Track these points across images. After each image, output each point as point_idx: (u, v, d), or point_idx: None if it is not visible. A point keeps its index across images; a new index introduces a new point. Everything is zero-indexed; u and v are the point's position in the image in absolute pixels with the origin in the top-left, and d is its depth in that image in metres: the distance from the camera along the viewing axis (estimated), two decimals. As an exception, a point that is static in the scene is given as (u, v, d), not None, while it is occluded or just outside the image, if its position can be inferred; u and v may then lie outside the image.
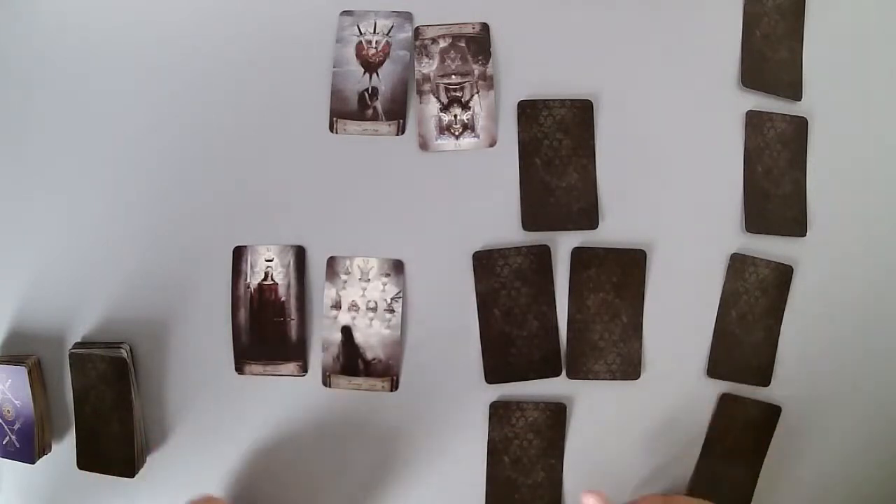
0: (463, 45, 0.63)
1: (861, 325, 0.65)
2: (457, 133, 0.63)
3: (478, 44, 0.63)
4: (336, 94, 0.63)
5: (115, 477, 0.62)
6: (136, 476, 0.62)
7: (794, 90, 0.65)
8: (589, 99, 0.63)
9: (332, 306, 0.63)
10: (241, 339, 0.63)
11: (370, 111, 0.63)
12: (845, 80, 0.66)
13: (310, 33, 0.64)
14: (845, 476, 0.66)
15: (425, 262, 0.63)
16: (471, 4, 0.63)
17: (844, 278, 0.65)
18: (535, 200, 0.63)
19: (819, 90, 0.65)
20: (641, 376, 0.64)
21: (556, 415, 0.63)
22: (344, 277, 0.63)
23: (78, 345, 0.63)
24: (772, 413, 0.64)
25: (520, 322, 0.63)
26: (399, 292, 0.63)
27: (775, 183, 0.64)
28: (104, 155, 0.64)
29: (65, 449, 0.64)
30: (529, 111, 0.63)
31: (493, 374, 0.63)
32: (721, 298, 0.64)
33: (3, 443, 0.62)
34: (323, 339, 0.63)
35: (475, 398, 0.63)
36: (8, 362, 0.62)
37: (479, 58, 0.63)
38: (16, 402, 0.62)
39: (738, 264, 0.64)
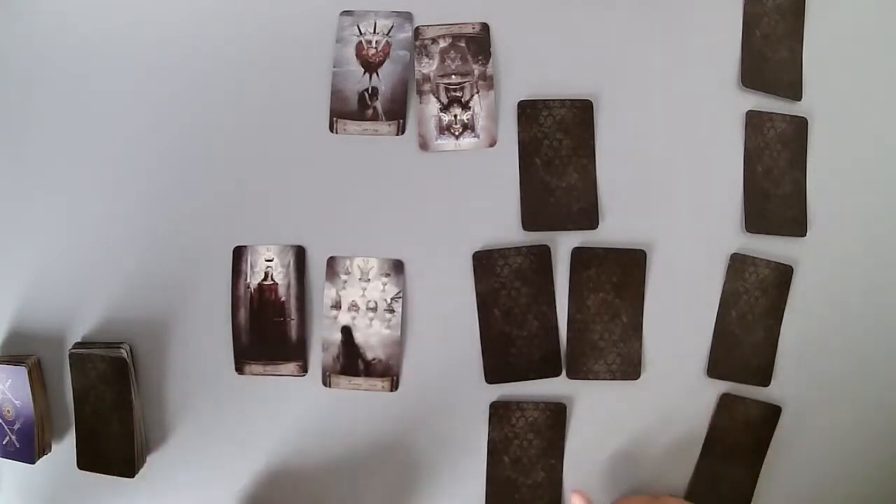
0: (463, 45, 0.63)
1: (861, 325, 0.65)
2: (457, 133, 0.63)
3: (478, 44, 0.63)
4: (336, 94, 0.63)
5: (115, 477, 0.62)
6: (136, 476, 0.62)
7: (794, 90, 0.65)
8: (589, 99, 0.63)
9: (332, 306, 0.63)
10: (241, 339, 0.63)
11: (370, 111, 0.63)
12: (845, 80, 0.66)
13: (310, 33, 0.64)
14: (845, 476, 0.66)
15: (425, 262, 0.63)
16: (471, 4, 0.63)
17: (844, 278, 0.65)
18: (535, 200, 0.63)
19: (819, 90, 0.65)
20: (641, 376, 0.64)
21: (556, 415, 0.63)
22: (344, 277, 0.63)
23: (78, 345, 0.63)
24: (772, 413, 0.64)
25: (520, 322, 0.63)
26: (399, 292, 0.63)
27: (775, 183, 0.64)
28: (104, 155, 0.64)
29: (65, 449, 0.64)
30: (529, 111, 0.63)
31: (493, 374, 0.63)
32: (721, 298, 0.64)
33: (3, 443, 0.62)
34: (323, 339, 0.63)
35: (475, 398, 0.63)
36: (8, 362, 0.62)
37: (479, 58, 0.63)
38: (16, 402, 0.62)
39: (738, 264, 0.64)
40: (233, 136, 0.64)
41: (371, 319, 0.63)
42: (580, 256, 0.63)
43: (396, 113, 0.63)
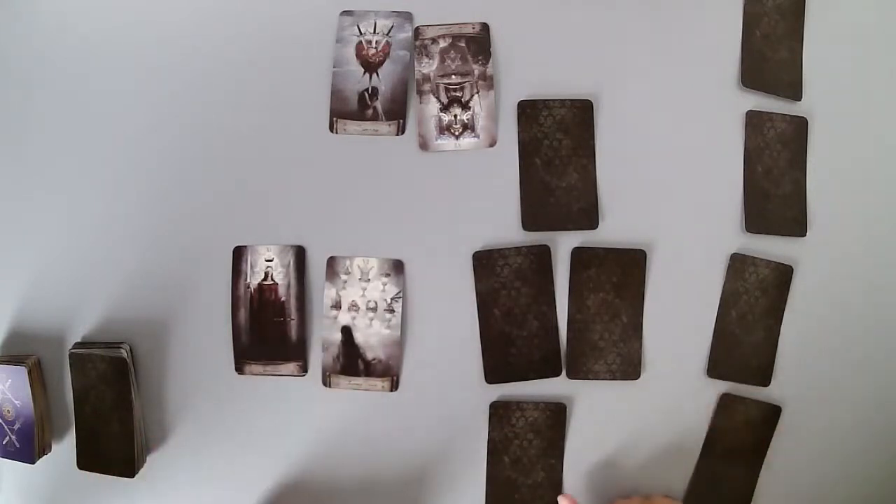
0: (463, 45, 0.63)
1: (861, 325, 0.65)
2: (457, 133, 0.63)
3: (478, 44, 0.63)
4: (336, 94, 0.63)
5: (115, 477, 0.62)
6: (136, 476, 0.62)
7: (794, 90, 0.65)
8: (589, 99, 0.63)
9: (332, 306, 0.63)
10: (241, 339, 0.63)
11: (370, 111, 0.63)
12: (845, 80, 0.66)
13: (310, 33, 0.64)
14: (845, 476, 0.66)
15: (425, 262, 0.63)
16: (471, 4, 0.63)
17: (844, 278, 0.65)
18: (535, 200, 0.63)
19: (819, 90, 0.65)
20: (641, 376, 0.64)
21: (556, 415, 0.63)
22: (344, 277, 0.63)
23: (78, 345, 0.63)
24: (772, 413, 0.64)
25: (520, 322, 0.63)
26: (399, 292, 0.63)
27: (775, 183, 0.64)
28: (104, 155, 0.64)
29: (65, 449, 0.64)
30: (529, 111, 0.63)
31: (493, 374, 0.63)
32: (721, 298, 0.64)
33: (3, 443, 0.62)
34: (323, 339, 0.63)
35: (475, 398, 0.63)
36: (8, 362, 0.62)
37: (479, 58, 0.63)
38: (16, 402, 0.62)
39: (738, 264, 0.64)
40: (233, 136, 0.64)
41: (371, 319, 0.63)
42: (580, 256, 0.63)
43: (396, 113, 0.63)
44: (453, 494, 0.64)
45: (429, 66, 0.63)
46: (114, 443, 0.62)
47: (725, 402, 0.64)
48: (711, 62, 0.64)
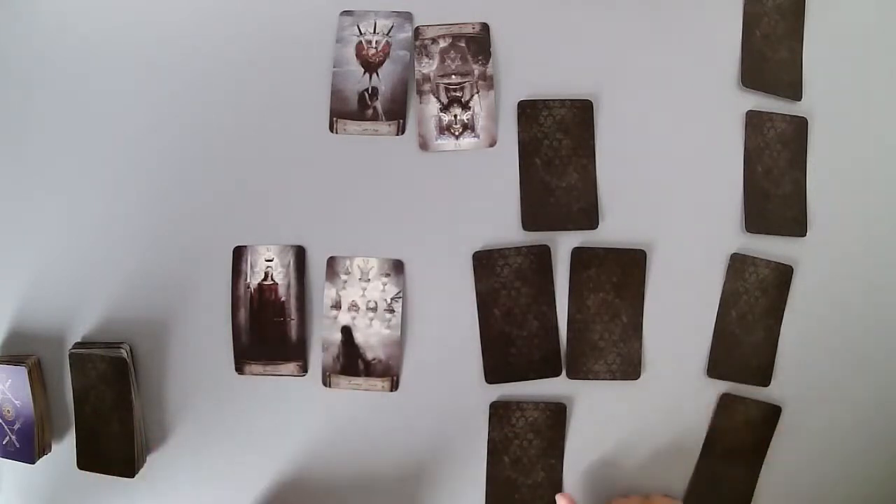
0: (463, 45, 0.63)
1: (861, 325, 0.65)
2: (457, 133, 0.63)
3: (478, 44, 0.63)
4: (336, 94, 0.63)
5: (115, 477, 0.62)
6: (136, 476, 0.62)
7: (794, 90, 0.65)
8: (589, 99, 0.63)
9: (332, 306, 0.63)
10: (241, 339, 0.63)
11: (370, 111, 0.63)
12: (845, 80, 0.66)
13: (310, 33, 0.64)
14: (845, 476, 0.66)
15: (425, 262, 0.63)
16: (471, 4, 0.63)
17: (844, 278, 0.65)
18: (535, 200, 0.63)
19: (819, 90, 0.65)
20: (641, 376, 0.64)
21: (556, 415, 0.63)
22: (344, 277, 0.63)
23: (78, 345, 0.63)
24: (772, 413, 0.64)
25: (520, 322, 0.63)
26: (399, 292, 0.63)
27: (775, 183, 0.64)
28: (104, 155, 0.64)
29: (65, 449, 0.64)
30: (529, 111, 0.63)
31: (493, 374, 0.63)
32: (721, 298, 0.64)
33: (3, 443, 0.62)
34: (323, 339, 0.63)
35: (475, 398, 0.63)
36: (8, 362, 0.62)
37: (479, 58, 0.63)
38: (16, 402, 0.62)
39: (738, 264, 0.64)
40: (233, 136, 0.64)
41: (371, 319, 0.63)
42: (580, 256, 0.63)
43: (396, 113, 0.63)
44: (453, 494, 0.64)
45: (429, 66, 0.63)
46: (114, 443, 0.62)
47: (725, 402, 0.64)
48: (711, 62, 0.64)
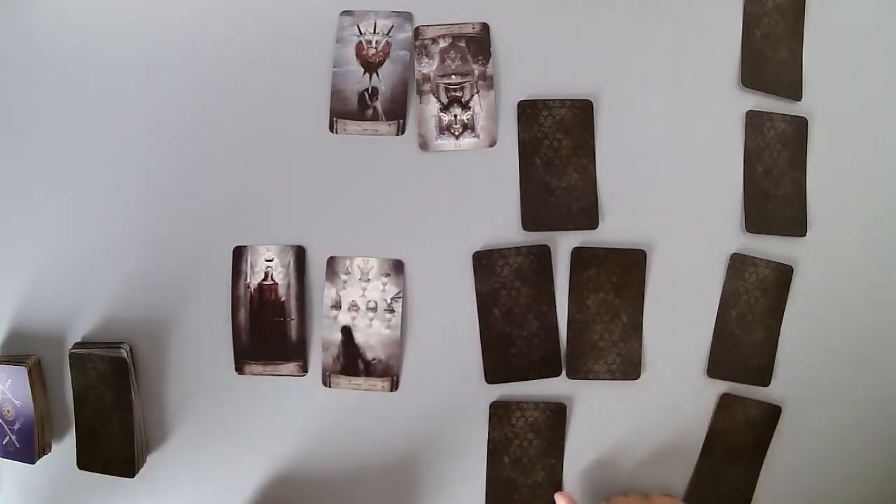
0: (463, 45, 0.63)
1: (861, 325, 0.65)
2: (457, 133, 0.63)
3: (478, 44, 0.63)
4: (336, 94, 0.63)
5: (115, 477, 0.62)
6: (136, 476, 0.62)
7: (794, 90, 0.65)
8: (589, 99, 0.63)
9: (332, 306, 0.63)
10: (241, 339, 0.63)
11: (370, 111, 0.63)
12: (845, 80, 0.66)
13: (310, 33, 0.64)
14: (845, 476, 0.66)
15: (425, 262, 0.63)
16: (471, 4, 0.63)
17: (844, 278, 0.65)
18: (535, 200, 0.63)
19: (819, 90, 0.65)
20: (641, 376, 0.64)
21: (556, 415, 0.63)
22: (344, 277, 0.63)
23: (78, 345, 0.63)
24: (772, 413, 0.64)
25: (520, 322, 0.63)
26: (399, 292, 0.63)
27: (775, 183, 0.64)
28: (104, 155, 0.64)
29: (65, 449, 0.64)
30: (529, 111, 0.63)
31: (493, 374, 0.63)
32: (721, 298, 0.64)
33: (3, 443, 0.62)
34: (323, 339, 0.63)
35: (475, 398, 0.63)
36: (8, 362, 0.62)
37: (479, 58, 0.63)
38: (16, 402, 0.62)
39: (738, 264, 0.64)
40: (233, 136, 0.64)
41: (371, 319, 0.63)
42: (580, 256, 0.63)
43: (396, 113, 0.63)
44: (453, 494, 0.64)
45: (429, 66, 0.63)
46: (114, 443, 0.62)
47: (725, 402, 0.64)
48: (711, 62, 0.64)
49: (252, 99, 0.64)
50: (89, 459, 0.63)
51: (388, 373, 0.63)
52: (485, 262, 0.62)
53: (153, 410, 0.64)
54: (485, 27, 0.63)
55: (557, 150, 0.63)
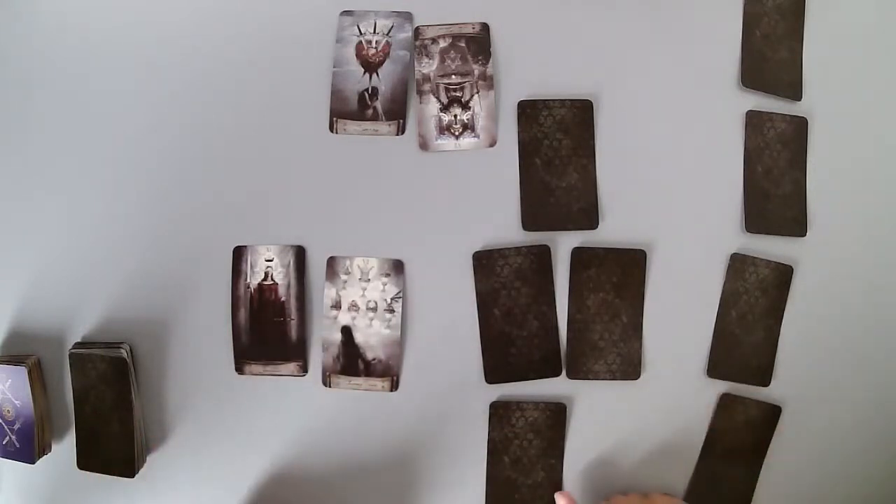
0: (463, 45, 0.63)
1: (861, 325, 0.65)
2: (457, 133, 0.63)
3: (478, 44, 0.63)
4: (336, 94, 0.63)
5: (115, 477, 0.62)
6: (136, 476, 0.62)
7: (794, 90, 0.65)
8: (589, 99, 0.63)
9: (332, 306, 0.63)
10: (241, 339, 0.63)
11: (370, 111, 0.63)
12: (845, 80, 0.66)
13: (310, 33, 0.64)
14: (845, 476, 0.66)
15: (425, 262, 0.63)
16: (471, 4, 0.63)
17: (844, 278, 0.65)
18: (535, 200, 0.63)
19: (819, 90, 0.65)
20: (641, 376, 0.64)
21: (556, 415, 0.63)
22: (344, 277, 0.63)
23: (78, 345, 0.63)
24: (772, 413, 0.64)
25: (520, 322, 0.63)
26: (399, 292, 0.63)
27: (775, 183, 0.64)
28: (104, 155, 0.64)
29: (65, 449, 0.64)
30: (529, 111, 0.63)
31: (493, 374, 0.63)
32: (721, 298, 0.64)
33: (3, 443, 0.62)
34: (323, 339, 0.63)
35: (475, 398, 0.63)
36: (8, 362, 0.62)
37: (479, 58, 0.63)
38: (16, 402, 0.62)
39: (738, 264, 0.64)
40: (233, 136, 0.64)
41: (371, 319, 0.63)
42: (580, 256, 0.63)
43: (396, 113, 0.63)
44: (453, 494, 0.64)
45: (429, 66, 0.63)
46: (114, 443, 0.62)
47: (725, 402, 0.64)
48: (711, 62, 0.64)
49: (252, 99, 0.64)
50: (89, 459, 0.63)
51: (388, 373, 0.63)
52: (485, 262, 0.62)
53: (153, 410, 0.64)
54: (485, 27, 0.63)
55: (557, 150, 0.63)
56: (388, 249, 0.63)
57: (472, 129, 0.63)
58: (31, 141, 0.64)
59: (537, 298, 0.63)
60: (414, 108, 0.63)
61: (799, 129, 0.65)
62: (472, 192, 0.63)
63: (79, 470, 0.63)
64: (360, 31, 0.63)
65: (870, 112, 0.66)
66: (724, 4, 0.65)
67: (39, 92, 0.64)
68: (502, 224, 0.63)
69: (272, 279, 0.63)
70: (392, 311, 0.63)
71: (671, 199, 0.64)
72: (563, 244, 0.63)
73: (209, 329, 0.64)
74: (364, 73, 0.63)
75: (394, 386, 0.63)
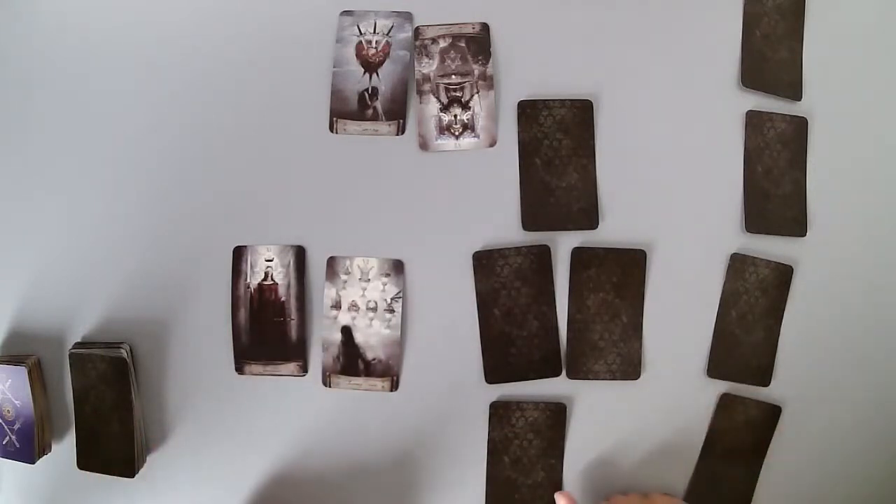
0: (463, 45, 0.63)
1: (861, 325, 0.65)
2: (457, 133, 0.63)
3: (478, 44, 0.63)
4: (336, 94, 0.63)
5: (115, 477, 0.62)
6: (136, 476, 0.62)
7: (794, 90, 0.65)
8: (589, 99, 0.63)
9: (332, 306, 0.63)
10: (241, 339, 0.63)
11: (370, 111, 0.63)
12: (845, 80, 0.66)
13: (310, 33, 0.64)
14: (845, 476, 0.66)
15: (425, 262, 0.63)
16: (471, 4, 0.63)
17: (844, 278, 0.65)
18: (535, 200, 0.63)
19: (819, 90, 0.65)
20: (641, 376, 0.64)
21: (556, 415, 0.63)
22: (344, 277, 0.63)
23: (78, 345, 0.63)
24: (772, 413, 0.64)
25: (520, 322, 0.63)
26: (399, 292, 0.63)
27: (775, 183, 0.64)
28: (104, 155, 0.64)
29: (65, 449, 0.64)
30: (529, 111, 0.63)
31: (493, 374, 0.63)
32: (721, 298, 0.64)
33: (3, 443, 0.62)
34: (323, 339, 0.63)
35: (475, 398, 0.63)
36: (8, 362, 0.62)
37: (479, 58, 0.63)
38: (16, 402, 0.62)
39: (738, 264, 0.64)
40: (233, 136, 0.64)
41: (371, 319, 0.63)
42: (580, 256, 0.63)
43: (396, 113, 0.63)
44: (453, 494, 0.64)
45: (429, 66, 0.63)
46: (114, 443, 0.62)
47: (725, 402, 0.64)
48: (711, 62, 0.64)
49: (252, 99, 0.64)
50: (89, 459, 0.63)
51: (388, 373, 0.63)
52: (485, 262, 0.62)
53: (153, 410, 0.64)
54: (485, 27, 0.63)
55: (557, 150, 0.63)
56: (388, 249, 0.63)
57: (472, 129, 0.63)
58: (31, 141, 0.64)
59: (537, 298, 0.63)
60: (414, 108, 0.63)
61: (799, 129, 0.65)
62: (472, 192, 0.63)
63: (79, 470, 0.63)
64: (360, 31, 0.63)
65: (870, 112, 0.66)
66: (724, 4, 0.65)
67: (39, 92, 0.64)
68: (502, 224, 0.63)
69: (272, 279, 0.63)
70: (392, 311, 0.63)
71: (671, 199, 0.64)
72: (563, 244, 0.63)
73: (209, 329, 0.64)
74: (364, 73, 0.63)
75: (394, 386, 0.63)
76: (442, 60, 0.63)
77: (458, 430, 0.64)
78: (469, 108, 0.63)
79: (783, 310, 0.64)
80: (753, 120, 0.64)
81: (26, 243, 0.64)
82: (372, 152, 0.63)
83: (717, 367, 0.64)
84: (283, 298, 0.63)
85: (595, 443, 0.64)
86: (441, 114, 0.63)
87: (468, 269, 0.63)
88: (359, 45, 0.63)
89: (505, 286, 0.63)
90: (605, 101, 0.63)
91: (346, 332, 0.63)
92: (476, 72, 0.63)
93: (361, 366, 0.63)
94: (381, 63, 0.63)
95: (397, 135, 0.63)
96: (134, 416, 0.62)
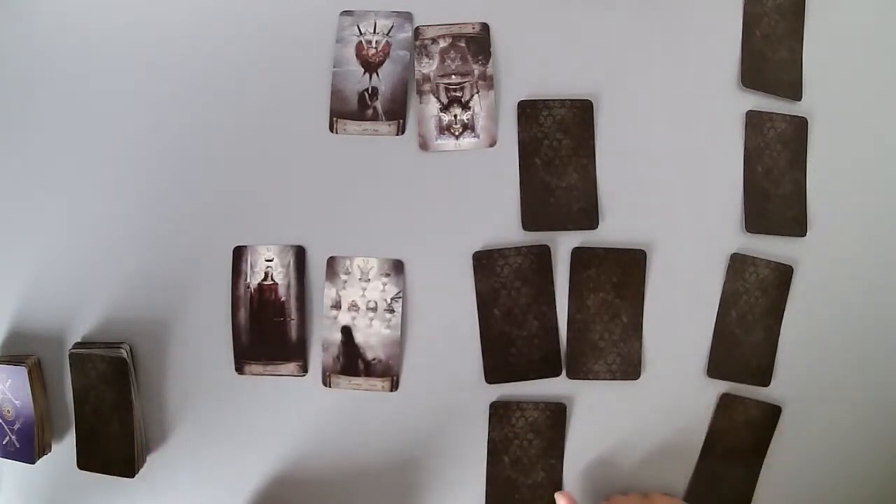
0: (463, 45, 0.63)
1: (861, 325, 0.65)
2: (457, 133, 0.63)
3: (478, 44, 0.63)
4: (336, 94, 0.63)
5: (115, 477, 0.62)
6: (136, 476, 0.62)
7: (794, 90, 0.65)
8: (589, 99, 0.63)
9: (332, 306, 0.63)
10: (241, 339, 0.63)
11: (370, 111, 0.63)
12: (845, 80, 0.66)
13: (310, 33, 0.64)
14: (845, 476, 0.66)
15: (425, 262, 0.63)
16: (471, 4, 0.63)
17: (844, 278, 0.65)
18: (535, 200, 0.63)
19: (819, 90, 0.65)
20: (641, 376, 0.64)
21: (556, 415, 0.63)
22: (344, 277, 0.63)
23: (78, 345, 0.63)
24: (772, 413, 0.64)
25: (520, 322, 0.63)
26: (399, 292, 0.63)
27: (775, 183, 0.64)
28: (104, 155, 0.64)
29: (65, 449, 0.64)
30: (529, 111, 0.63)
31: (493, 374, 0.63)
32: (721, 298, 0.64)
33: (3, 443, 0.62)
34: (323, 339, 0.63)
35: (475, 398, 0.63)
36: (8, 362, 0.62)
37: (479, 58, 0.63)
38: (16, 402, 0.62)
39: (738, 264, 0.64)
40: (233, 136, 0.64)
41: (371, 319, 0.63)
42: (580, 256, 0.63)
43: (396, 113, 0.63)
44: (453, 494, 0.64)
45: (429, 66, 0.63)
46: (114, 443, 0.62)
47: (725, 402, 0.64)
48: (711, 62, 0.64)
49: (252, 99, 0.64)
50: (89, 459, 0.63)
51: (388, 373, 0.63)
52: (485, 262, 0.62)
53: (153, 410, 0.64)
54: (485, 27, 0.63)
55: (557, 150, 0.63)
56: (388, 249, 0.63)
57: (472, 129, 0.63)
58: (31, 141, 0.64)
59: (537, 298, 0.63)
60: (414, 108, 0.63)
61: (799, 129, 0.65)
62: (472, 192, 0.63)
63: (79, 470, 0.63)
64: (360, 31, 0.63)
65: (870, 112, 0.66)
66: (724, 4, 0.65)
67: (39, 92, 0.64)
68: (502, 224, 0.63)
69: (272, 279, 0.63)
70: (392, 311, 0.63)
71: (671, 199, 0.64)
72: (563, 244, 0.63)
73: (209, 329, 0.64)
74: (364, 73, 0.63)
75: (394, 386, 0.63)
76: (442, 60, 0.63)
77: (458, 430, 0.64)
78: (469, 108, 0.63)
79: (783, 310, 0.64)
80: (753, 120, 0.64)
81: (26, 243, 0.64)
82: (372, 152, 0.63)
83: (717, 367, 0.64)
84: (283, 298, 0.63)
85: (595, 443, 0.64)
86: (441, 114, 0.63)
87: (468, 269, 0.63)
88: (359, 45, 0.63)
89: (505, 286, 0.63)
90: (605, 101, 0.63)
91: (346, 332, 0.63)
92: (476, 72, 0.63)
93: (361, 366, 0.63)
94: (381, 63, 0.63)
95: (397, 135, 0.63)
96: (134, 416, 0.62)
